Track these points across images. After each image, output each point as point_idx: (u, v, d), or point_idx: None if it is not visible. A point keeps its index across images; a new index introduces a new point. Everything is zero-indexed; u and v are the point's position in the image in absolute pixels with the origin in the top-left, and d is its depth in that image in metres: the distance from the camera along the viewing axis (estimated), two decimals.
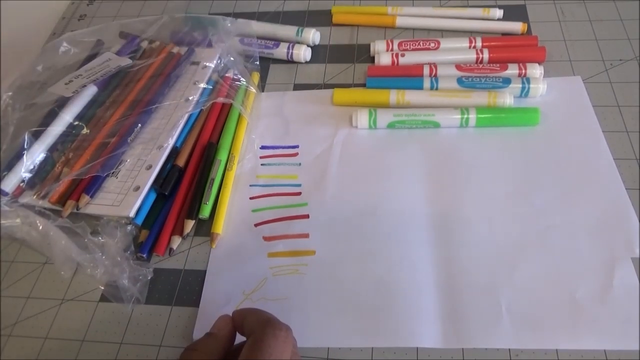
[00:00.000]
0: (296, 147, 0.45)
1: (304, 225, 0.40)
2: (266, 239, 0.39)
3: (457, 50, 0.48)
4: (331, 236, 0.39)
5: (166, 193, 0.41)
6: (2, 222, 0.39)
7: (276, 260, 0.38)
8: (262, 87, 0.50)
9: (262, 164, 0.44)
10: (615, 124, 0.42)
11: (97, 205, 0.41)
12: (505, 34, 0.50)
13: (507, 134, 0.43)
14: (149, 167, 0.42)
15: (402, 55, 0.48)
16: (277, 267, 0.38)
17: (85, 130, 0.45)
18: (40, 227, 0.38)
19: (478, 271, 0.36)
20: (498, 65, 0.46)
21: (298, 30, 0.52)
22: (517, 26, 0.49)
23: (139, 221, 0.40)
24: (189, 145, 0.44)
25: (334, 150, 0.44)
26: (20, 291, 0.40)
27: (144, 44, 0.52)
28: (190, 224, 0.40)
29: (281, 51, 0.51)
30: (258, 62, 0.50)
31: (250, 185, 0.43)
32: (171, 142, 0.43)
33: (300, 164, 0.44)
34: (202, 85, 0.47)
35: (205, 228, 0.41)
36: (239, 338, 0.31)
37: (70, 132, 0.45)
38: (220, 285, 0.37)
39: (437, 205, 0.39)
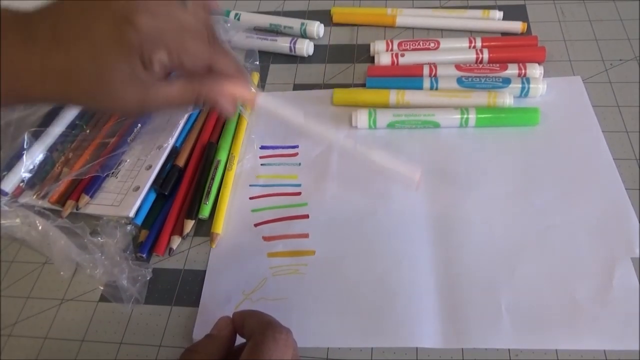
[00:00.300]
0: (296, 147, 0.45)
1: (303, 225, 0.40)
2: (266, 239, 0.39)
3: (456, 50, 0.48)
4: (331, 236, 0.39)
5: (166, 193, 0.41)
6: (2, 222, 0.39)
7: (276, 260, 0.38)
8: (262, 87, 0.50)
9: (261, 164, 0.44)
10: (615, 124, 0.42)
11: (97, 205, 0.41)
12: (505, 34, 0.50)
13: (507, 134, 0.43)
14: (149, 167, 0.42)
15: (402, 55, 0.48)
16: (277, 267, 0.38)
17: (84, 130, 0.45)
18: (40, 227, 0.38)
19: (478, 271, 0.36)
20: (498, 65, 0.46)
21: (302, 24, 0.52)
22: (517, 25, 0.49)
23: (139, 221, 0.40)
24: (189, 145, 0.44)
25: (333, 150, 0.44)
26: (20, 291, 0.40)
27: None
28: (190, 224, 0.40)
29: (284, 45, 0.51)
30: (258, 62, 0.50)
31: (250, 185, 0.43)
32: (171, 142, 0.43)
33: (300, 164, 0.44)
34: None
35: (205, 228, 0.41)
36: (239, 339, 0.31)
37: (70, 132, 0.45)
38: (220, 285, 0.37)
39: (436, 205, 0.39)
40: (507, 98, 0.43)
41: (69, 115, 0.45)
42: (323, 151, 0.44)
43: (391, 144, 0.43)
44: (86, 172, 0.41)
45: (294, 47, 0.51)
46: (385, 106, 0.45)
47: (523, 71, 0.45)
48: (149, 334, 0.36)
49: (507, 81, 0.44)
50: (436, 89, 0.45)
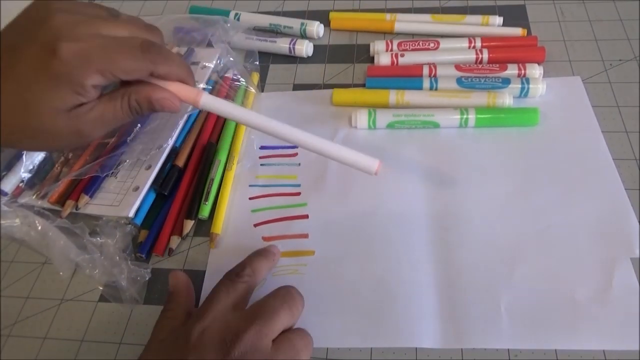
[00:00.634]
0: (296, 147, 0.44)
1: (303, 226, 0.40)
2: (265, 239, 0.39)
3: (456, 51, 0.48)
4: (330, 236, 0.39)
5: (165, 193, 0.41)
6: (2, 222, 0.39)
7: None
8: (261, 87, 0.50)
9: (261, 164, 0.44)
10: (615, 124, 0.42)
11: (97, 205, 0.41)
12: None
13: (507, 134, 0.43)
14: (149, 167, 0.42)
15: (402, 56, 0.48)
16: (277, 267, 0.38)
17: None
18: (39, 227, 0.38)
19: (477, 271, 0.36)
20: (497, 65, 0.46)
21: (302, 24, 0.52)
22: (517, 32, 0.49)
23: (138, 221, 0.40)
24: (189, 145, 0.44)
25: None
26: (19, 291, 0.40)
27: None
28: (189, 224, 0.40)
29: (283, 46, 0.51)
30: (258, 62, 0.50)
31: (250, 186, 0.43)
32: (170, 142, 0.43)
33: (299, 164, 0.44)
34: (202, 85, 0.47)
35: (204, 228, 0.41)
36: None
37: None
38: None
39: (436, 205, 0.39)
40: (506, 98, 0.43)
41: None
42: None
43: (391, 144, 0.43)
44: (86, 172, 0.41)
45: (294, 48, 0.51)
46: (385, 106, 0.45)
47: (523, 71, 0.45)
48: (148, 334, 0.36)
49: (506, 81, 0.44)
50: (436, 89, 0.45)
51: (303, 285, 0.36)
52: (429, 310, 0.34)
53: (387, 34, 0.52)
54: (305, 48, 0.50)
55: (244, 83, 0.48)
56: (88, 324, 0.37)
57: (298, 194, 0.42)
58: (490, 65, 0.46)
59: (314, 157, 0.43)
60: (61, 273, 0.39)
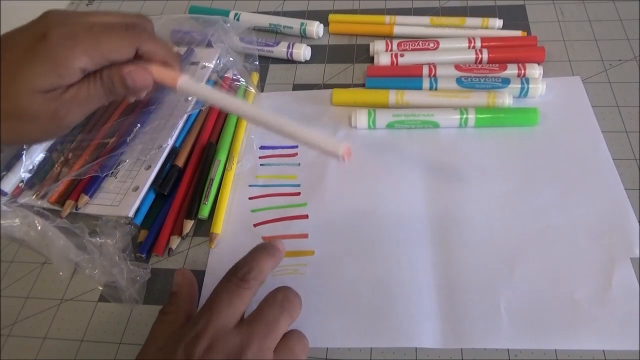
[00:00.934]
0: (295, 147, 0.44)
1: (303, 226, 0.40)
2: (265, 239, 0.39)
3: (456, 51, 0.48)
4: (330, 236, 0.39)
5: (165, 193, 0.41)
6: (2, 222, 0.39)
7: None
8: (261, 87, 0.50)
9: (261, 164, 0.44)
10: (615, 124, 0.42)
11: (96, 205, 0.41)
12: None
13: (506, 134, 0.43)
14: (148, 167, 0.42)
15: (402, 56, 0.48)
16: (277, 267, 0.38)
17: (84, 130, 0.45)
18: (39, 227, 0.38)
19: (477, 271, 0.36)
20: (497, 65, 0.46)
21: (302, 24, 0.52)
22: (517, 34, 0.49)
23: (138, 221, 0.40)
24: (188, 145, 0.44)
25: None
26: (19, 291, 0.40)
27: None
28: (189, 224, 0.40)
29: (281, 50, 0.51)
30: (257, 63, 0.50)
31: (250, 186, 0.43)
32: (170, 142, 0.43)
33: (299, 164, 0.44)
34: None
35: (204, 228, 0.41)
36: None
37: (70, 132, 0.44)
38: None
39: (436, 205, 0.39)
40: (506, 98, 0.43)
41: None
42: None
43: (390, 144, 0.43)
44: (85, 172, 0.41)
45: (291, 53, 0.50)
46: (385, 106, 0.45)
47: (522, 71, 0.45)
48: (148, 335, 0.36)
49: (506, 81, 0.44)
50: (435, 89, 0.45)
51: (303, 285, 0.36)
52: (429, 310, 0.34)
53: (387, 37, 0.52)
54: (302, 52, 0.50)
55: (243, 83, 0.48)
56: (88, 324, 0.37)
57: (298, 194, 0.42)
58: (490, 65, 0.46)
59: (314, 157, 0.44)
60: (61, 273, 0.39)
